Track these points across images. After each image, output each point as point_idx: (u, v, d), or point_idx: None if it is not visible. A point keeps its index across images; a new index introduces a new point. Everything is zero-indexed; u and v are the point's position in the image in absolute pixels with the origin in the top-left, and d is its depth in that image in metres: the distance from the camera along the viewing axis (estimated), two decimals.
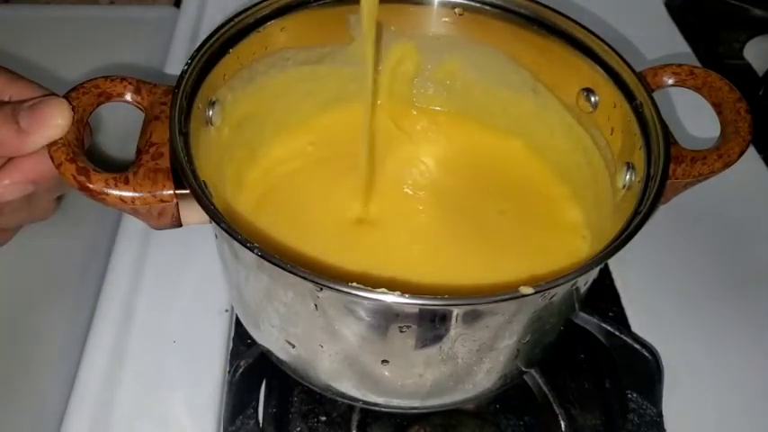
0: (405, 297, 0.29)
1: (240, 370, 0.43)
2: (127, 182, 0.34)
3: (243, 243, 0.30)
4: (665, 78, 0.42)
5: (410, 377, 0.37)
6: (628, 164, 0.40)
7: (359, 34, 0.48)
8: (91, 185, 0.34)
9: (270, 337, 0.40)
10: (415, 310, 0.32)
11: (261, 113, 0.47)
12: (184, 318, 0.49)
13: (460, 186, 0.49)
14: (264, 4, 0.42)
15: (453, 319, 0.32)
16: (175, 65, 0.68)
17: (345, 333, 0.34)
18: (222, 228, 0.31)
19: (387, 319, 0.32)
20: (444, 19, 0.47)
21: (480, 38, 0.47)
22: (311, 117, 0.51)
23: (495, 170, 0.50)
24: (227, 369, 0.46)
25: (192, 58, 0.38)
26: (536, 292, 0.30)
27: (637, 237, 0.33)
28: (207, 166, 0.38)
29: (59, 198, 0.43)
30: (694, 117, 0.62)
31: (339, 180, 0.48)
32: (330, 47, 0.48)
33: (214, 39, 0.40)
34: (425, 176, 0.50)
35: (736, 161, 0.39)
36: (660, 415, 0.45)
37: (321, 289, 0.31)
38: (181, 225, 0.37)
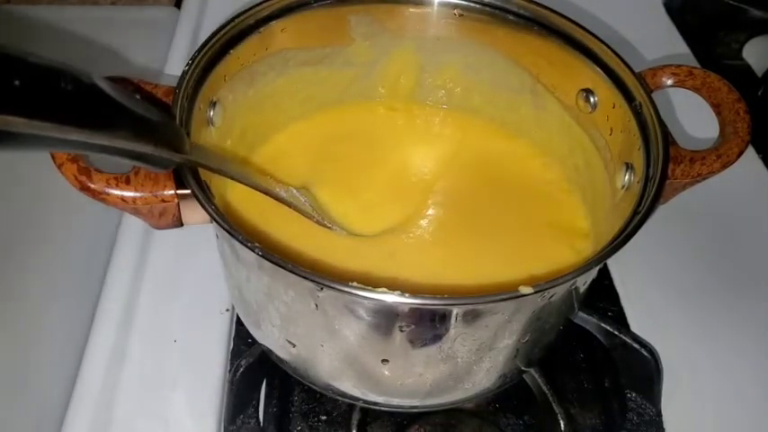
0: (405, 297, 0.29)
1: (241, 369, 0.43)
2: (128, 182, 0.34)
3: (244, 243, 0.30)
4: (664, 79, 0.42)
5: (410, 376, 0.37)
6: (627, 164, 0.40)
7: (359, 35, 0.48)
8: (92, 185, 0.34)
9: (270, 337, 0.40)
10: (416, 309, 0.32)
11: (261, 114, 0.47)
12: (185, 317, 0.49)
13: (459, 186, 0.49)
14: (265, 4, 0.43)
15: (453, 319, 0.32)
16: (176, 65, 0.68)
17: (346, 332, 0.34)
18: (223, 228, 0.31)
19: (387, 318, 0.33)
20: (444, 20, 0.47)
21: (480, 39, 0.48)
22: (311, 117, 0.51)
23: (492, 170, 0.50)
24: (228, 368, 0.46)
25: (193, 58, 0.38)
26: (535, 292, 0.30)
27: (636, 237, 0.33)
28: None
29: None
30: (693, 117, 0.63)
31: (336, 178, 0.48)
32: (330, 48, 0.48)
33: (215, 39, 0.40)
34: (425, 177, 0.50)
35: (735, 161, 0.39)
36: (659, 414, 0.45)
37: (321, 288, 0.31)
38: (182, 225, 0.37)
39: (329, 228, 0.43)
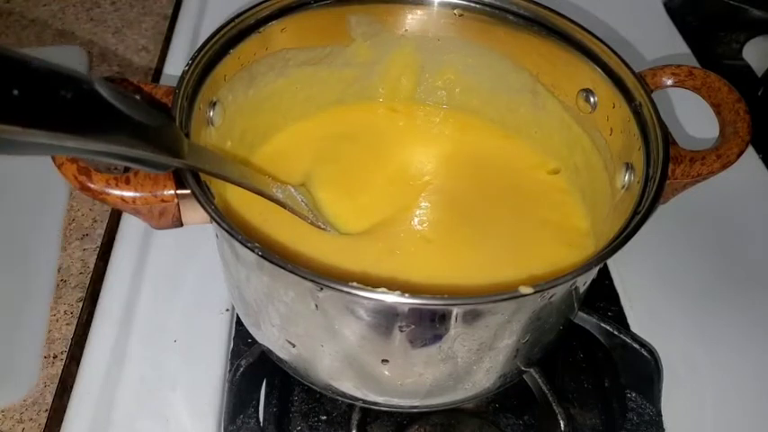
0: (405, 297, 0.29)
1: (241, 369, 0.43)
2: (128, 182, 0.34)
3: (244, 243, 0.30)
4: (664, 79, 0.42)
5: (410, 376, 0.37)
6: (627, 164, 0.40)
7: (359, 35, 0.48)
8: (92, 185, 0.34)
9: (270, 337, 0.40)
10: (415, 309, 0.32)
11: (261, 114, 0.47)
12: (185, 317, 0.49)
13: (459, 186, 0.49)
14: (265, 4, 0.43)
15: (453, 319, 0.32)
16: (176, 65, 0.68)
17: (345, 332, 0.34)
18: (223, 228, 0.31)
19: (387, 318, 0.33)
20: (444, 20, 0.47)
21: (480, 39, 0.48)
22: (311, 117, 0.51)
23: (492, 171, 0.50)
24: (228, 368, 0.46)
25: (193, 58, 0.38)
26: (535, 292, 0.30)
27: (636, 237, 0.33)
28: None
29: None
30: (693, 117, 0.63)
31: (336, 178, 0.48)
32: (330, 48, 0.48)
33: (215, 39, 0.40)
34: (425, 177, 0.50)
35: (734, 161, 0.39)
36: (659, 414, 0.45)
37: (321, 288, 0.31)
38: (182, 225, 0.37)
39: (323, 229, 0.43)
